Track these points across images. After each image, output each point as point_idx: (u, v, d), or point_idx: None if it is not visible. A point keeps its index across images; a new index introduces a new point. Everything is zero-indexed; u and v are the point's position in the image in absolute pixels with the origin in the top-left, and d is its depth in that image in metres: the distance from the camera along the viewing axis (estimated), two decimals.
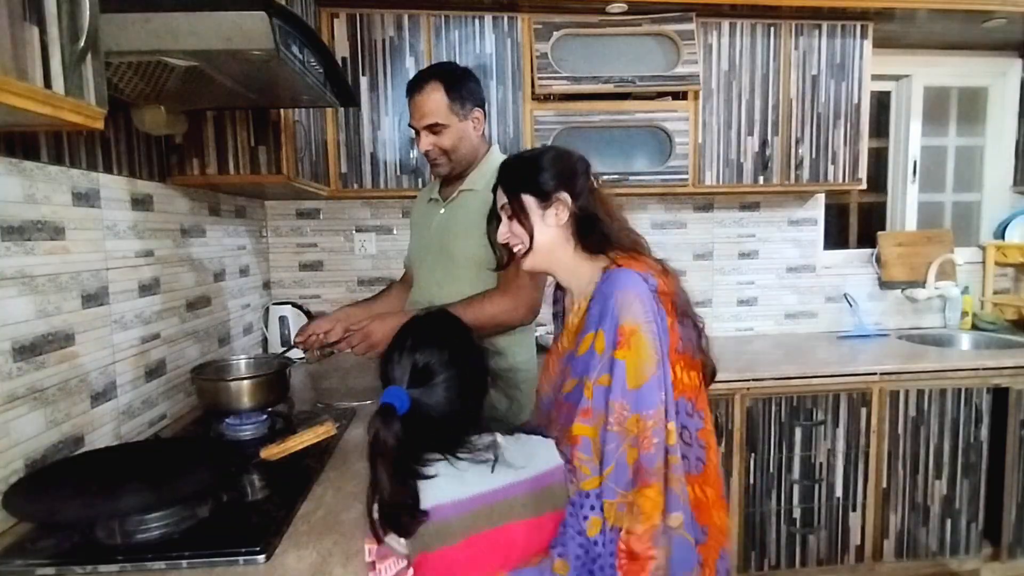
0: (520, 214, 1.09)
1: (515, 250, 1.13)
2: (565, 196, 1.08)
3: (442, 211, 1.57)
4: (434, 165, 1.53)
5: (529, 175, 1.10)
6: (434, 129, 1.46)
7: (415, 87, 1.47)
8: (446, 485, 0.86)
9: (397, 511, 0.84)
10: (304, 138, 1.80)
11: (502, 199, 1.12)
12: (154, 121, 1.35)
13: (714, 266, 2.64)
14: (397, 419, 0.84)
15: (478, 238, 1.41)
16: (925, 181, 2.83)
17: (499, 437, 0.92)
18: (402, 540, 0.85)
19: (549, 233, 1.09)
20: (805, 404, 2.06)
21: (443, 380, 0.90)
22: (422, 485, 0.85)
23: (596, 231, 1.08)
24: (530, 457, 0.93)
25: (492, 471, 0.88)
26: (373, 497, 0.84)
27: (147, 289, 1.48)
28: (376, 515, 0.84)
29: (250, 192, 2.08)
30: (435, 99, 1.44)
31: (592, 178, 1.12)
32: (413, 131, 1.52)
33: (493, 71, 2.11)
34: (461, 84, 1.47)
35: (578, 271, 1.11)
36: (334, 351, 1.62)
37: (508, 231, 1.12)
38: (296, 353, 2.02)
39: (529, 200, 1.09)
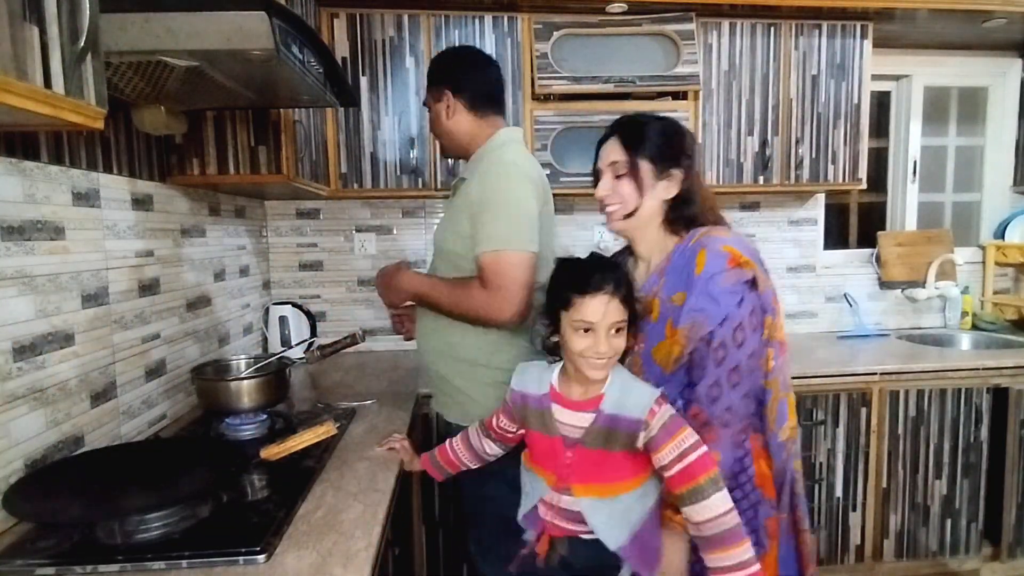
0: (636, 176, 1.12)
1: (607, 209, 1.17)
2: (678, 173, 1.11)
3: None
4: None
5: (656, 142, 1.12)
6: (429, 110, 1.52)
7: None
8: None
9: None
10: (304, 138, 1.80)
11: (616, 155, 1.14)
12: (154, 121, 1.35)
13: None
14: None
15: (458, 228, 1.38)
16: (925, 181, 2.83)
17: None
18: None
19: (654, 204, 1.13)
20: (805, 404, 2.06)
21: None
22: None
23: (687, 211, 1.13)
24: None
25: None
26: None
27: (147, 289, 1.48)
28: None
29: (250, 192, 2.08)
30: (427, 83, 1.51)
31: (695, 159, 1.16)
32: None
33: None
34: (436, 66, 1.49)
35: (659, 245, 1.16)
36: (335, 351, 1.62)
37: (611, 189, 1.14)
38: (296, 353, 2.02)
39: (645, 166, 1.11)
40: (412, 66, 2.08)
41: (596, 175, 1.20)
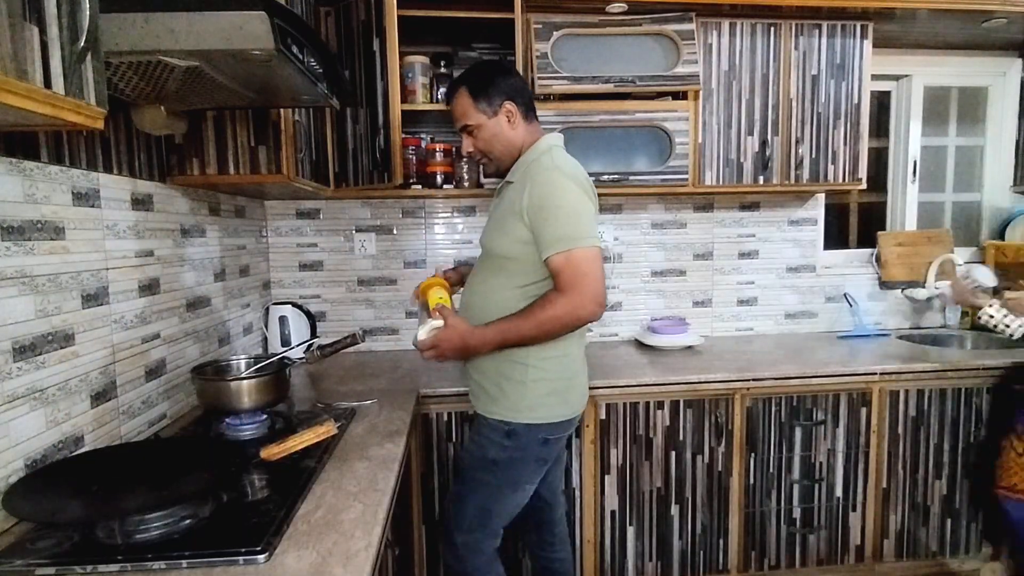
0: None
1: None
2: None
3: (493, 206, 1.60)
4: (481, 166, 1.59)
5: None
6: (468, 131, 1.50)
7: (447, 98, 1.53)
8: None
9: None
10: (304, 138, 1.80)
11: None
12: (154, 121, 1.35)
13: (714, 266, 2.64)
14: None
15: (506, 232, 1.41)
16: (925, 181, 2.83)
17: None
18: None
19: None
20: (805, 404, 2.06)
21: None
22: None
23: None
24: None
25: None
26: None
27: (147, 289, 1.48)
28: None
29: (250, 192, 2.08)
30: (462, 103, 1.48)
31: None
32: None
33: None
34: (484, 80, 1.47)
35: None
36: (335, 351, 1.62)
37: None
38: (296, 353, 2.02)
39: None
40: None
41: None
